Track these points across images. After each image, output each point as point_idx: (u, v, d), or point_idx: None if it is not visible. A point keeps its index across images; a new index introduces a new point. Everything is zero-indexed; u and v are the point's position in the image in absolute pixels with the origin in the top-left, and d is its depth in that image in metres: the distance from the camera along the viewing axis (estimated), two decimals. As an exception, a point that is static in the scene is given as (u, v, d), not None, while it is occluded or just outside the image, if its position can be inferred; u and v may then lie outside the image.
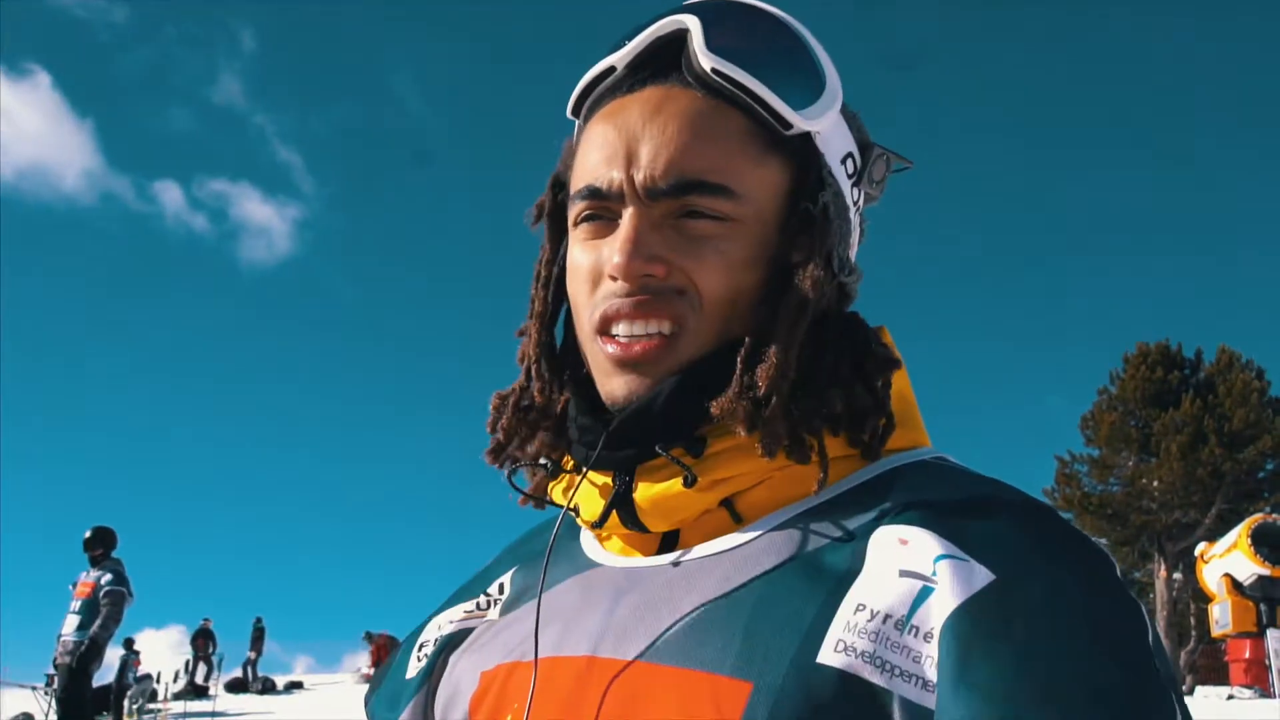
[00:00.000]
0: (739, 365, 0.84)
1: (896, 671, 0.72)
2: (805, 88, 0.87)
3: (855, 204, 0.93)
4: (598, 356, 0.87)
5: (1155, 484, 27.82)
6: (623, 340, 0.85)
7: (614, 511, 0.88)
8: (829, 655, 0.74)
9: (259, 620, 27.65)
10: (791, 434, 0.83)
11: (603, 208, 0.87)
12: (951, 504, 0.80)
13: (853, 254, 0.93)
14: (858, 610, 0.75)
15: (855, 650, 0.73)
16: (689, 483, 0.84)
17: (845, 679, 0.72)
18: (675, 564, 0.86)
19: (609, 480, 0.88)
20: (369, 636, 26.62)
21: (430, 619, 1.04)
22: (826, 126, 0.89)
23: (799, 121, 0.86)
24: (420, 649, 1.01)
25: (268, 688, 26.70)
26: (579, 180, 0.89)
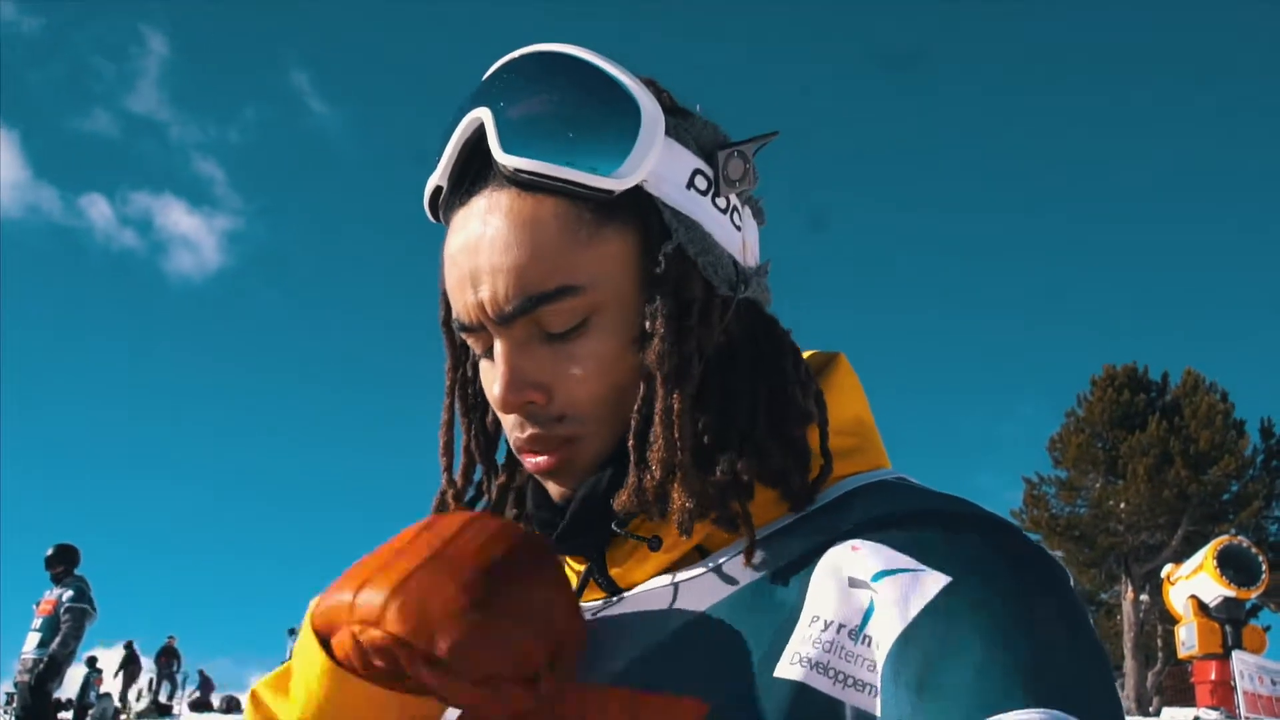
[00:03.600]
0: (632, 454, 0.83)
1: (849, 681, 0.72)
2: (616, 141, 0.82)
3: (725, 210, 0.88)
4: (528, 468, 0.88)
5: (1122, 506, 28.03)
6: (532, 453, 0.86)
7: (590, 581, 0.90)
8: (784, 669, 0.74)
9: (130, 644, 26.50)
10: (707, 508, 0.82)
11: (478, 338, 0.87)
12: (907, 514, 0.80)
13: (747, 258, 0.90)
14: (812, 623, 0.76)
15: (809, 661, 0.73)
16: (654, 548, 0.85)
17: (801, 690, 0.72)
18: (640, 593, 0.87)
19: (581, 561, 0.90)
20: None
21: None
22: (652, 167, 0.83)
23: (618, 185, 0.82)
24: None
25: (232, 706, 26.42)
26: (452, 309, 0.88)
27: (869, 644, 0.73)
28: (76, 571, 10.58)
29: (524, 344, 0.84)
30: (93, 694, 19.96)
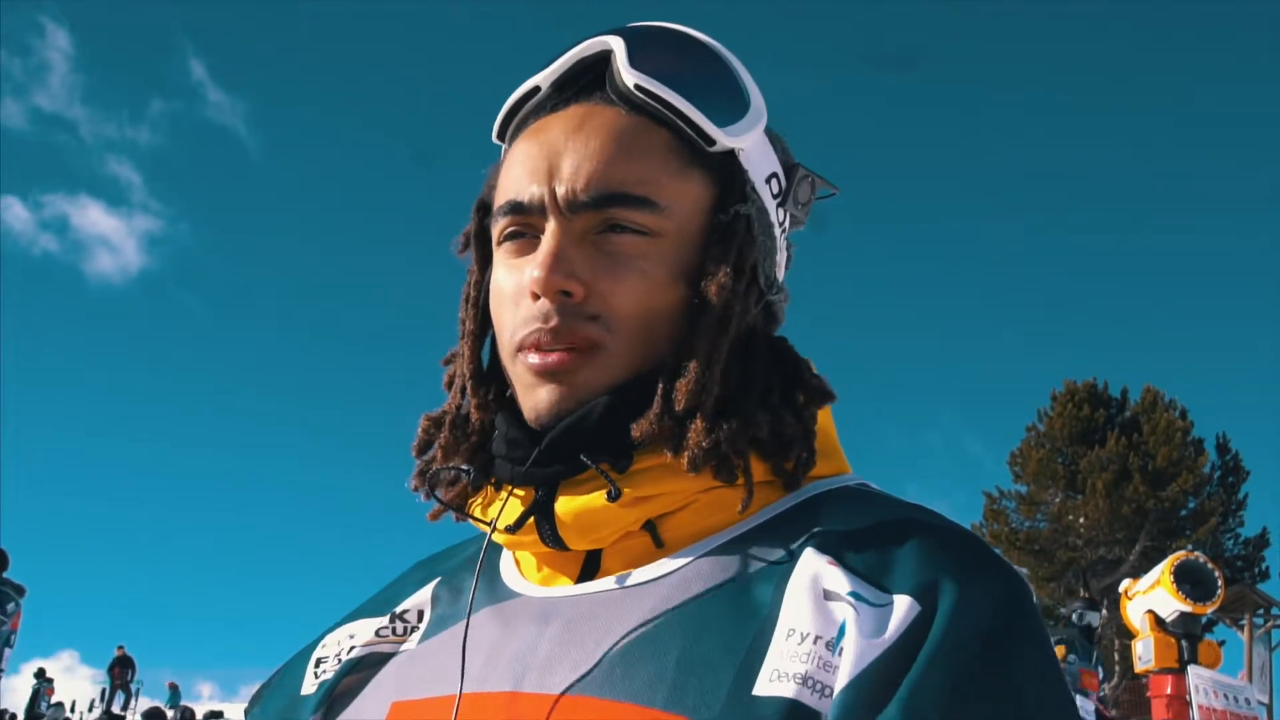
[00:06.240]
0: (660, 385, 0.83)
1: (827, 692, 0.73)
2: (728, 106, 0.88)
3: (781, 224, 0.92)
4: (519, 372, 0.86)
5: (1081, 520, 28.31)
6: (543, 349, 0.83)
7: (532, 521, 0.85)
8: (765, 686, 0.73)
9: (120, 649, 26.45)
10: (717, 453, 0.82)
11: (525, 224, 0.86)
12: (872, 528, 0.81)
13: (780, 274, 0.93)
14: (789, 636, 0.75)
15: (790, 675, 0.73)
16: (613, 497, 0.82)
17: (783, 707, 0.72)
18: (599, 592, 0.84)
19: (531, 492, 0.86)
20: None
21: (327, 634, 0.99)
22: (750, 145, 0.89)
23: (721, 138, 0.87)
24: (318, 665, 0.96)
25: (186, 718, 26.10)
26: (501, 197, 0.88)
27: (842, 655, 0.74)
28: (5, 575, 10.50)
29: (578, 238, 0.84)
30: (44, 704, 19.71)
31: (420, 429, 0.95)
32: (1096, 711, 9.17)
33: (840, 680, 0.73)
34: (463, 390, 0.93)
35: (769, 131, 0.91)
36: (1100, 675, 9.54)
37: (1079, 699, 8.94)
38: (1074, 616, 9.48)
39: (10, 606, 10.47)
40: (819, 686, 0.73)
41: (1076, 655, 9.26)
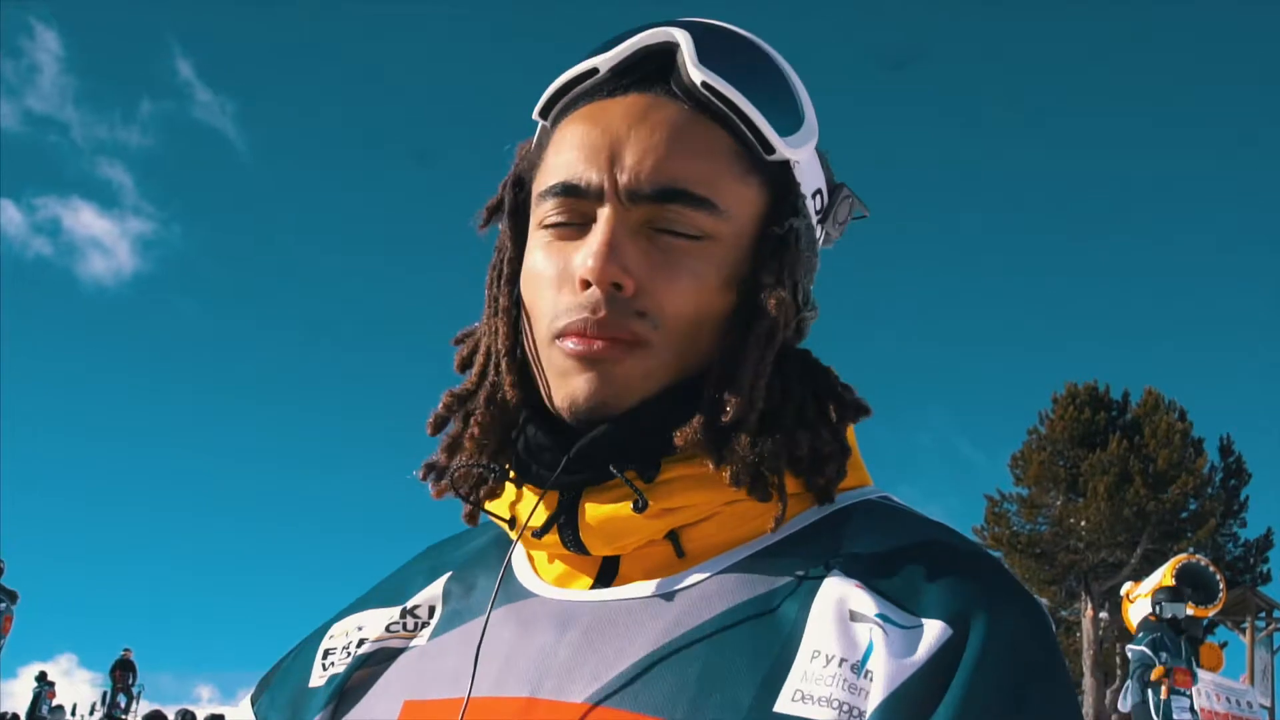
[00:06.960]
0: (705, 393, 0.82)
1: (854, 712, 0.73)
2: (788, 116, 0.87)
3: (818, 241, 0.92)
4: (556, 359, 0.83)
5: (1082, 523, 28.27)
6: (586, 337, 0.81)
7: (555, 526, 0.84)
8: (786, 704, 0.73)
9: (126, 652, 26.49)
10: (755, 469, 0.81)
11: (575, 209, 0.84)
12: (900, 551, 0.81)
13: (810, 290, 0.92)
14: (814, 658, 0.75)
15: (813, 698, 0.73)
16: (639, 507, 0.81)
17: None
18: (620, 600, 0.83)
19: (555, 496, 0.85)
20: None
21: (332, 623, 0.98)
22: (804, 158, 0.88)
23: (782, 147, 0.86)
24: (326, 656, 0.95)
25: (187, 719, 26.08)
26: (552, 177, 0.85)
27: (870, 678, 0.74)
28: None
29: (632, 230, 0.82)
30: (45, 708, 19.71)
31: (441, 404, 0.92)
32: (1191, 708, 8.96)
33: (873, 700, 0.73)
34: (496, 366, 0.90)
35: (817, 147, 0.91)
36: (1195, 671, 9.31)
37: (1174, 699, 8.76)
38: (1157, 610, 9.17)
39: None
40: (845, 708, 0.73)
41: (1167, 653, 8.98)
